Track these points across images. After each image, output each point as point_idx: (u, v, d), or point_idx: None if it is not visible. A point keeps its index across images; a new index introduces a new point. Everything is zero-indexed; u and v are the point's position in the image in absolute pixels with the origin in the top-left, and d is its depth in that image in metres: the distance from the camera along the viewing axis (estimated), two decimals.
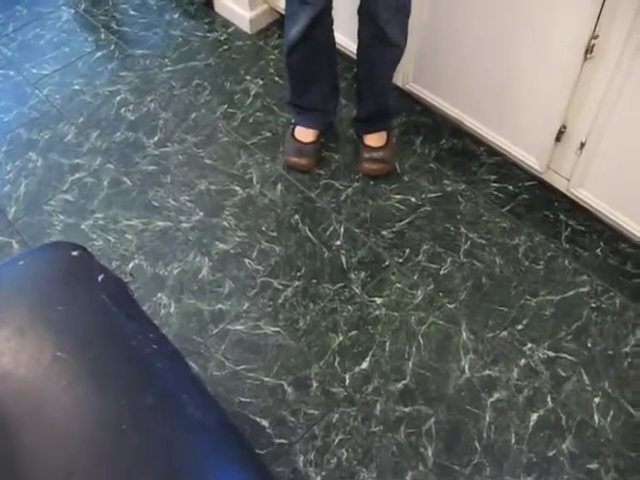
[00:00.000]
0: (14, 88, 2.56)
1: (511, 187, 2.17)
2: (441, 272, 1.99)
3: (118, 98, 2.48)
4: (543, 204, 2.14)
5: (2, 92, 2.55)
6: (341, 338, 1.86)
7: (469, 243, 2.05)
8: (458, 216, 2.11)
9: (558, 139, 1.97)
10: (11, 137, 2.40)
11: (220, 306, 1.93)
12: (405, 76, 2.26)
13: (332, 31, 2.04)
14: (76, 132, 2.39)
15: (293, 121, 2.25)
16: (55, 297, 1.35)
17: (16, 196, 2.22)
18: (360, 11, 1.91)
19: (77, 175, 2.26)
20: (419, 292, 1.95)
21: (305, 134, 2.20)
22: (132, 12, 2.82)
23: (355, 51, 2.18)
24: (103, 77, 2.56)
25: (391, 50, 1.97)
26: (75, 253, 1.46)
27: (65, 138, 2.38)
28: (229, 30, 2.71)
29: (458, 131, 2.29)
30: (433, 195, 2.16)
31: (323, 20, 1.93)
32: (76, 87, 2.54)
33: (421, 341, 1.85)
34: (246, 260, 2.02)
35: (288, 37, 1.99)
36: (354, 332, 1.87)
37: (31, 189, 2.24)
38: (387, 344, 1.85)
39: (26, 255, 1.57)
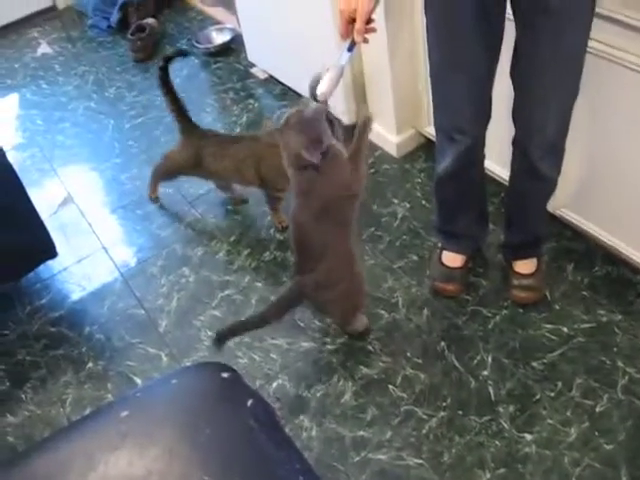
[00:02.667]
0: (172, 206, 2.72)
1: None
2: (597, 409, 1.86)
3: (268, 218, 2.57)
4: None
5: (161, 209, 2.72)
6: (488, 475, 1.76)
7: (627, 378, 1.91)
8: (614, 349, 1.99)
9: None
10: (167, 252, 2.52)
11: (362, 433, 1.89)
12: (556, 201, 2.21)
13: (482, 166, 2.04)
14: (227, 250, 2.48)
15: (440, 245, 2.24)
16: (205, 419, 1.36)
17: (168, 310, 2.31)
18: (514, 143, 1.90)
19: (227, 292, 2.33)
20: (573, 430, 1.82)
21: (452, 259, 2.18)
22: None
23: (503, 176, 2.17)
24: (255, 198, 2.66)
25: (543, 185, 1.95)
26: (225, 375, 1.48)
27: (217, 255, 2.47)
28: (376, 153, 2.78)
29: (612, 258, 2.19)
30: (587, 325, 2.05)
31: (473, 157, 1.95)
32: (229, 207, 2.66)
33: None
34: (390, 386, 1.98)
35: (437, 170, 2.01)
36: (502, 470, 1.77)
37: (182, 303, 2.33)
38: None
39: (178, 374, 1.61)
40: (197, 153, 2.47)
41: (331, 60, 1.70)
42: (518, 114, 1.83)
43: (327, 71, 1.69)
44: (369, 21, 1.65)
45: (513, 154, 1.93)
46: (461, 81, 1.77)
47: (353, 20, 1.65)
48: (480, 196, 2.14)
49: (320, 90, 1.68)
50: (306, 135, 1.68)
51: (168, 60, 2.48)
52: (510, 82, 1.78)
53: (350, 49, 1.70)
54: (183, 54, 3.00)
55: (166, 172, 2.66)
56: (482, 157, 2.00)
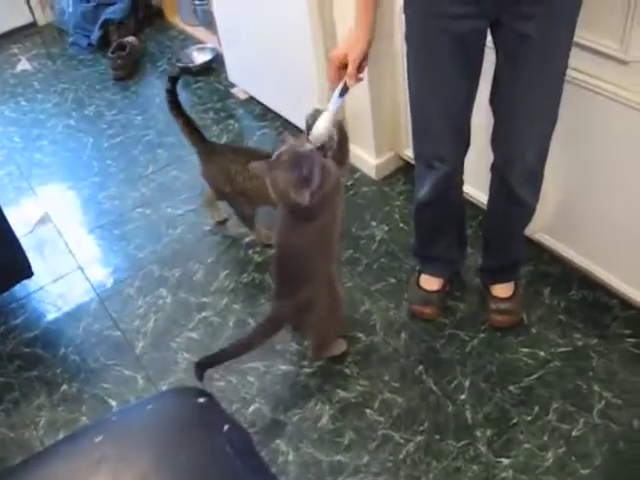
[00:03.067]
0: (150, 226, 2.70)
1: None
2: (573, 433, 1.86)
3: (247, 240, 2.56)
4: None
5: (139, 229, 2.70)
6: None
7: (603, 403, 1.92)
8: (590, 373, 1.99)
9: None
10: (144, 273, 2.50)
11: (339, 458, 1.88)
12: (533, 225, 2.22)
13: (461, 191, 2.05)
14: (205, 271, 2.47)
15: (418, 268, 2.24)
16: (180, 445, 1.35)
17: (144, 331, 2.29)
18: (493, 169, 1.91)
19: (204, 314, 2.32)
20: (549, 454, 1.82)
21: (430, 282, 2.19)
22: None
23: (481, 200, 2.18)
24: (233, 219, 2.65)
25: (521, 210, 1.96)
26: (201, 400, 1.47)
27: (194, 276, 2.46)
28: (355, 175, 2.78)
29: (588, 282, 2.20)
30: (563, 349, 2.06)
31: (451, 183, 1.95)
32: (207, 228, 2.65)
33: None
34: (367, 410, 1.97)
35: (417, 196, 2.02)
36: None
37: (159, 325, 2.31)
38: None
39: (154, 399, 1.59)
40: (225, 168, 2.34)
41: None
42: (497, 141, 1.84)
43: (320, 114, 1.69)
44: (362, 62, 1.66)
45: (492, 180, 1.94)
46: (440, 110, 1.78)
47: (344, 66, 1.65)
48: (458, 220, 2.15)
49: (314, 135, 1.68)
50: (296, 174, 1.65)
51: (174, 81, 2.37)
52: (488, 109, 1.80)
53: (342, 94, 1.71)
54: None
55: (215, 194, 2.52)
56: (460, 183, 2.01)
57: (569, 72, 1.71)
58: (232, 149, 2.48)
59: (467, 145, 1.89)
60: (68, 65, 3.86)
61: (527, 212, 1.97)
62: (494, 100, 1.77)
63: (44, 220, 2.81)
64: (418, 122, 1.87)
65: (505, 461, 1.82)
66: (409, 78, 1.81)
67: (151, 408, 1.47)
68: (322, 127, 1.69)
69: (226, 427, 1.41)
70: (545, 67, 1.63)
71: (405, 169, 2.71)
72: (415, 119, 1.87)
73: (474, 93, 1.78)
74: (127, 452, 1.35)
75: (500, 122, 1.79)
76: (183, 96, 3.35)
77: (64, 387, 2.16)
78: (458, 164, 1.91)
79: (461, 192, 2.06)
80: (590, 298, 2.19)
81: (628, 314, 2.12)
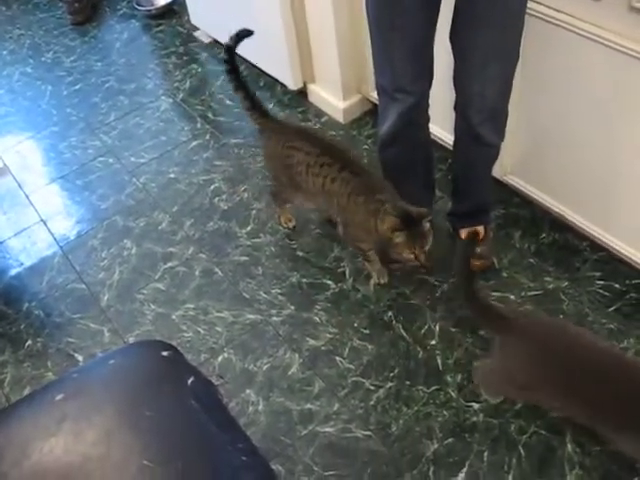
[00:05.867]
0: (113, 176, 2.63)
1: (617, 285, 2.04)
2: None
3: (212, 187, 2.51)
4: None
5: (101, 179, 2.62)
6: (436, 445, 1.76)
7: None
8: (561, 315, 1.99)
9: None
10: (108, 224, 2.44)
11: (310, 406, 1.86)
12: (503, 168, 2.19)
13: (427, 129, 2.01)
14: (170, 220, 2.42)
15: None
16: (144, 401, 1.32)
17: (110, 283, 2.25)
18: (455, 109, 1.87)
19: (170, 264, 2.27)
20: None
21: None
22: (228, 102, 2.88)
23: (450, 142, 2.14)
24: (198, 166, 2.60)
25: (485, 150, 1.92)
26: (165, 353, 1.44)
27: (159, 226, 2.40)
28: (322, 119, 2.72)
29: (559, 225, 2.19)
30: (533, 293, 2.05)
31: (416, 118, 1.91)
32: (171, 175, 2.58)
33: (522, 452, 1.73)
34: (337, 358, 1.96)
35: (380, 133, 1.97)
36: (450, 439, 1.76)
37: (125, 277, 2.26)
38: (485, 454, 1.73)
39: (117, 354, 1.56)
40: (286, 155, 2.03)
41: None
42: (458, 79, 1.81)
43: None
44: None
45: (455, 120, 1.91)
46: (400, 41, 1.73)
47: None
48: (426, 161, 2.10)
49: None
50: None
51: (231, 51, 2.06)
52: None
53: None
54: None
55: (278, 189, 2.22)
56: (426, 119, 1.97)
57: (539, 8, 1.66)
58: (300, 132, 2.12)
59: (430, 78, 1.84)
60: (23, 10, 3.70)
61: (491, 152, 1.94)
62: (453, 36, 1.73)
63: (3, 172, 2.70)
64: (379, 54, 1.82)
65: (475, 405, 1.82)
66: (368, 10, 1.76)
67: (113, 363, 1.43)
68: None
69: (191, 380, 1.39)
70: (502, 1, 1.59)
71: (373, 112, 2.64)
72: (376, 51, 1.82)
73: (434, 23, 1.74)
74: (89, 410, 1.32)
75: (459, 59, 1.76)
76: (144, 40, 3.28)
77: (29, 343, 2.12)
78: (422, 98, 1.87)
79: (427, 130, 2.02)
80: (561, 241, 2.18)
81: (598, 256, 2.11)
